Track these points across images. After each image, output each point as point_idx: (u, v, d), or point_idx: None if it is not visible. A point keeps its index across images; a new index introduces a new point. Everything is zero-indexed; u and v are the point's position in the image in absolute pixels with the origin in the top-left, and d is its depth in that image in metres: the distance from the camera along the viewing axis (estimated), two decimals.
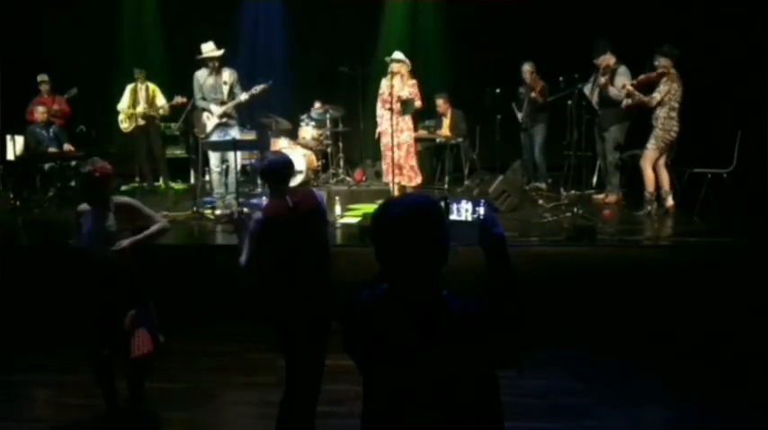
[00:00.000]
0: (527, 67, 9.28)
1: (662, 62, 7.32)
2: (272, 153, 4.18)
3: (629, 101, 7.68)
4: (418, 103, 8.51)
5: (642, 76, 7.63)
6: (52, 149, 9.31)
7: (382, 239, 1.99)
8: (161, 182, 10.34)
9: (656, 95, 7.32)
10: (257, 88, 8.13)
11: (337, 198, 7.80)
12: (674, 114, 7.31)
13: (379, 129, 8.58)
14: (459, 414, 1.95)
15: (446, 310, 1.95)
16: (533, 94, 9.13)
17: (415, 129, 9.28)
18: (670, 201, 7.56)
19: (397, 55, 8.34)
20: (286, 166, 3.94)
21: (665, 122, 7.32)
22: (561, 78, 8.45)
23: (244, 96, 8.09)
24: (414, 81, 8.54)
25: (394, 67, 8.25)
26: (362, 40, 10.24)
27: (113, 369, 4.28)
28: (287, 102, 10.61)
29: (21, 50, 10.54)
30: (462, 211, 2.19)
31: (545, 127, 9.27)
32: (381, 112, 8.45)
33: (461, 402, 1.94)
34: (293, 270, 3.79)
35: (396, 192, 8.38)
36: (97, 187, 4.08)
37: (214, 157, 8.23)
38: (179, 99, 9.28)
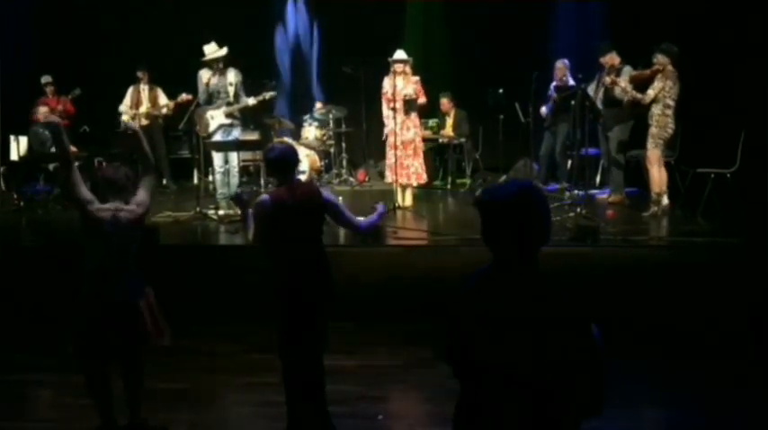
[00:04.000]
0: (560, 65, 9.24)
1: (659, 59, 7.30)
2: (279, 143, 4.28)
3: (629, 98, 7.69)
4: (422, 100, 8.48)
5: (634, 73, 7.64)
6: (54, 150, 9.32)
7: (493, 221, 2.11)
8: (165, 182, 10.36)
9: (650, 92, 7.30)
10: (267, 95, 8.15)
11: (340, 198, 7.79)
12: (669, 112, 7.28)
13: (386, 130, 8.55)
14: (554, 392, 2.04)
15: (553, 292, 2.08)
16: (554, 96, 9.10)
17: (420, 129, 9.26)
18: (665, 201, 7.53)
19: (400, 54, 8.31)
20: (292, 156, 4.00)
21: (660, 120, 7.29)
22: (566, 78, 8.44)
23: (252, 101, 8.09)
24: (416, 78, 8.53)
25: (397, 67, 8.22)
26: (365, 39, 10.23)
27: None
28: (290, 102, 10.63)
29: (25, 50, 10.59)
30: None
31: (567, 126, 9.18)
32: (387, 112, 8.43)
33: (557, 382, 2.04)
34: (288, 255, 3.91)
35: (399, 193, 8.37)
36: None
37: (217, 158, 8.24)
38: (184, 96, 9.27)
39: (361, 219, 4.39)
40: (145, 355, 4.21)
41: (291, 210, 3.88)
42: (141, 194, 4.07)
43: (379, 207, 4.27)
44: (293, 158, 4.01)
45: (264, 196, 3.98)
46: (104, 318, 3.98)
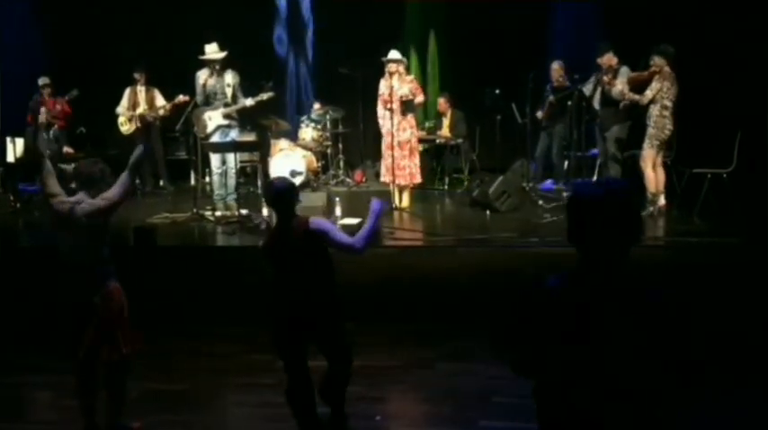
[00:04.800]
0: (555, 66, 9.25)
1: (656, 61, 7.33)
2: (277, 178, 4.26)
3: (627, 102, 7.73)
4: (420, 98, 8.46)
5: (633, 74, 7.67)
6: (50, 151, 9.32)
7: (584, 219, 2.09)
8: (162, 183, 10.36)
9: (648, 93, 7.33)
10: (265, 96, 8.13)
11: (337, 199, 7.80)
12: (666, 113, 7.30)
13: (382, 131, 8.56)
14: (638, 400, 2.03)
15: (643, 293, 2.07)
16: (551, 98, 9.13)
17: (416, 129, 9.26)
18: (662, 201, 7.55)
19: (394, 54, 8.30)
20: (288, 193, 4.00)
21: (658, 121, 7.32)
22: (563, 79, 8.44)
23: (249, 101, 8.07)
24: (411, 77, 8.53)
25: (391, 66, 8.23)
26: (363, 39, 10.23)
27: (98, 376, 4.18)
28: (286, 102, 10.63)
29: (23, 52, 10.58)
30: None
31: (564, 127, 9.19)
32: (383, 113, 8.44)
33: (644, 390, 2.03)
34: (283, 289, 3.96)
35: (395, 194, 8.37)
36: None
37: (215, 159, 8.22)
38: (181, 98, 9.26)
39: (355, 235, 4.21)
40: (126, 360, 4.15)
41: (281, 251, 3.95)
42: (111, 190, 4.04)
43: (374, 204, 4.14)
44: (289, 195, 4.00)
45: (261, 241, 4.14)
46: (74, 315, 4.05)
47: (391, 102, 8.17)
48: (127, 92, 9.94)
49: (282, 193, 3.97)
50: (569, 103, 8.34)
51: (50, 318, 5.55)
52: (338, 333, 4.06)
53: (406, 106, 8.31)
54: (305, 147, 9.76)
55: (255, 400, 4.70)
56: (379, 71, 8.44)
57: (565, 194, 8.64)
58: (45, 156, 4.23)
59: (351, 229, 7.11)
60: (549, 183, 9.60)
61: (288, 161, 9.00)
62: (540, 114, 9.31)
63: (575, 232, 2.11)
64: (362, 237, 3.99)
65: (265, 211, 7.70)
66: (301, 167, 9.07)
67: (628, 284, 2.07)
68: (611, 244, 2.07)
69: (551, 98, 9.20)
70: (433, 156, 10.36)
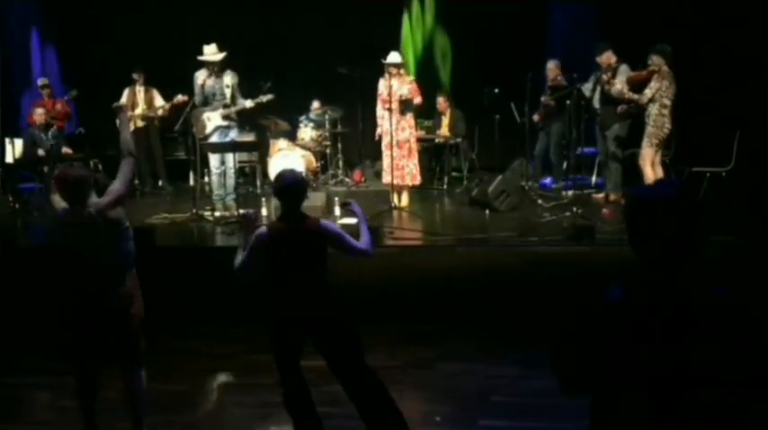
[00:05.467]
0: (551, 66, 9.27)
1: (654, 60, 7.35)
2: (288, 171, 4.11)
3: (625, 106, 7.75)
4: (418, 100, 8.48)
5: (632, 74, 7.69)
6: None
7: (655, 222, 2.00)
8: (161, 183, 10.36)
9: (647, 92, 7.35)
10: (264, 98, 8.13)
11: (336, 199, 7.80)
12: (665, 112, 7.32)
13: (379, 131, 8.58)
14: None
15: (712, 298, 2.00)
16: (544, 98, 9.14)
17: (415, 129, 9.27)
18: None
19: (394, 58, 8.30)
20: (299, 188, 3.93)
21: (657, 120, 7.34)
22: (560, 78, 8.44)
23: (249, 103, 8.06)
24: (411, 78, 8.52)
25: (392, 69, 8.23)
26: (361, 39, 10.23)
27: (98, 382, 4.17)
28: (285, 102, 10.60)
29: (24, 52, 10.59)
30: None
31: (561, 126, 9.22)
32: (381, 113, 8.45)
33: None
34: (283, 287, 3.89)
35: (395, 194, 8.38)
36: None
37: (214, 159, 8.22)
38: (180, 98, 9.25)
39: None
40: (141, 363, 4.17)
41: (288, 244, 3.84)
42: (114, 183, 4.04)
43: (355, 208, 4.16)
44: (300, 190, 3.93)
45: (263, 229, 3.92)
46: (81, 319, 4.03)
47: (390, 102, 8.17)
48: (126, 92, 9.94)
49: (292, 186, 3.88)
50: (568, 102, 8.34)
51: (50, 319, 5.57)
52: (343, 335, 3.99)
53: (405, 106, 8.31)
54: (304, 147, 9.76)
55: (255, 401, 4.69)
56: (378, 71, 8.45)
57: (567, 193, 8.63)
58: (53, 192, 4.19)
59: (350, 230, 7.12)
60: (548, 180, 9.61)
61: (287, 161, 8.98)
62: (536, 117, 9.33)
63: (644, 236, 2.03)
64: (368, 241, 4.01)
65: (264, 211, 7.71)
66: (300, 167, 9.06)
67: (702, 286, 2.02)
68: (685, 245, 1.99)
69: (544, 98, 9.21)
70: (432, 155, 10.37)
